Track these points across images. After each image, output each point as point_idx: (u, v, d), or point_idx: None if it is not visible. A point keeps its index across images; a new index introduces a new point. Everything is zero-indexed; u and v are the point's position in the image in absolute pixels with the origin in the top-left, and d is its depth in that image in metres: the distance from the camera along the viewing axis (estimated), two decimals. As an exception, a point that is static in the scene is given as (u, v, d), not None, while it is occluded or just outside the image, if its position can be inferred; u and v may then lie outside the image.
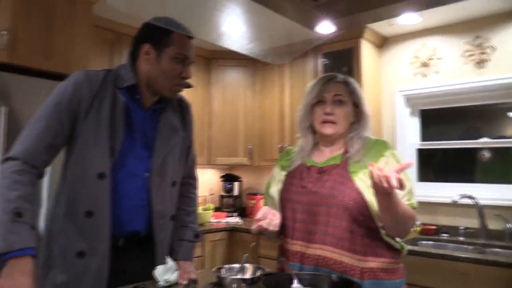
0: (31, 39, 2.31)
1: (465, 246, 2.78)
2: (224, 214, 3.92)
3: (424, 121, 3.36)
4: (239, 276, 1.42)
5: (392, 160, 1.44)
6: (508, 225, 2.74)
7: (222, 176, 4.24)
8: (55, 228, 1.43)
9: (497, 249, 2.66)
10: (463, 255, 2.31)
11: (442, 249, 2.65)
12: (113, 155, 1.42)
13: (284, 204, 1.51)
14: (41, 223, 1.86)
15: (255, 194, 4.08)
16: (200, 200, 3.35)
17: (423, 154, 3.33)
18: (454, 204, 2.82)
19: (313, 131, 1.57)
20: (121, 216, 1.46)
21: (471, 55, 2.99)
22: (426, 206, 3.06)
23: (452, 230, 2.97)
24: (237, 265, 1.47)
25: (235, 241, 3.55)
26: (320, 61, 3.44)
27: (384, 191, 1.20)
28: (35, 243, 1.25)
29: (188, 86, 1.56)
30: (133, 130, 1.48)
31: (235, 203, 4.11)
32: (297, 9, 1.19)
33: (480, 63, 2.94)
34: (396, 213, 1.29)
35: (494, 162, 2.96)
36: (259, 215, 1.40)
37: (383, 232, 1.38)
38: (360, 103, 1.51)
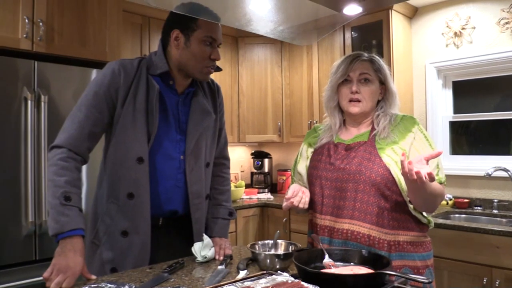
0: (66, 29, 2.40)
1: (499, 219, 2.75)
2: (255, 190, 4.00)
3: (457, 93, 3.28)
4: (272, 252, 1.48)
5: (420, 135, 1.45)
6: (545, 198, 2.69)
7: (252, 153, 4.30)
8: (100, 209, 1.53)
9: (533, 222, 2.62)
10: (496, 228, 2.30)
11: (475, 222, 2.63)
12: (150, 140, 1.49)
13: (312, 180, 1.55)
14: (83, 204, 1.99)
15: (285, 170, 4.14)
16: (231, 177, 3.44)
17: (455, 127, 3.27)
18: (488, 177, 2.77)
19: (340, 109, 1.59)
20: (160, 196, 1.54)
21: (506, 23, 2.87)
22: (459, 179, 3.03)
23: (486, 203, 2.94)
24: (270, 241, 1.54)
25: (267, 217, 3.64)
26: (349, 35, 3.39)
27: (414, 181, 1.22)
28: (84, 224, 1.35)
29: (218, 69, 1.61)
30: (168, 114, 1.55)
31: (266, 179, 4.19)
32: (324, -7, 1.20)
33: (517, 31, 2.83)
34: (424, 193, 1.31)
35: (531, 133, 2.88)
36: (289, 193, 1.45)
37: (411, 206, 1.41)
38: (386, 81, 1.52)
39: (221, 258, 1.55)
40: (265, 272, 1.19)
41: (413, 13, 3.34)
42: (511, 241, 2.23)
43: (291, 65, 3.91)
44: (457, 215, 2.92)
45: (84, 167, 1.46)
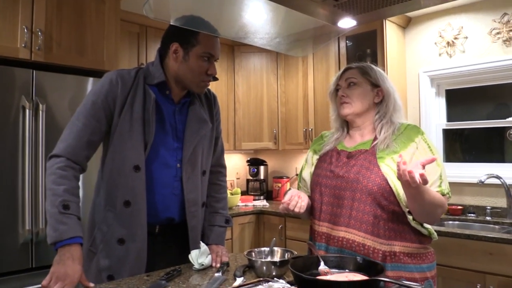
0: (64, 39, 2.43)
1: (492, 225, 2.78)
2: (251, 197, 4.02)
3: (450, 101, 3.32)
4: (268, 259, 1.50)
5: (423, 145, 1.45)
6: (537, 204, 2.72)
7: (248, 161, 4.33)
8: (97, 217, 1.54)
9: (525, 229, 2.66)
10: (489, 235, 2.33)
11: (468, 229, 2.66)
12: (147, 148, 1.51)
13: (313, 187, 1.58)
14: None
15: (280, 178, 4.16)
16: (227, 184, 3.47)
17: (449, 135, 3.31)
18: (481, 184, 2.81)
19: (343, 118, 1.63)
20: (156, 204, 1.56)
21: (498, 33, 2.93)
22: (453, 187, 3.01)
23: (479, 210, 2.98)
24: (266, 249, 1.55)
25: (263, 224, 3.66)
26: (343, 45, 3.44)
27: (408, 184, 1.23)
28: (82, 232, 1.36)
29: (215, 79, 1.63)
30: (165, 123, 1.57)
31: (261, 186, 4.21)
32: (319, 9, 1.23)
33: (508, 41, 2.88)
34: (423, 201, 1.31)
35: (523, 141, 2.92)
36: (286, 198, 1.47)
37: (410, 217, 1.41)
38: (379, 81, 1.55)
39: (218, 265, 1.56)
40: (261, 279, 1.21)
41: (407, 23, 3.40)
42: (504, 248, 2.26)
43: (287, 73, 3.95)
44: (450, 222, 2.95)
45: (81, 176, 1.47)
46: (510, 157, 3.01)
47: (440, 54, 3.23)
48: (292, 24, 1.37)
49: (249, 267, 1.49)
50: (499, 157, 3.06)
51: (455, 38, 3.14)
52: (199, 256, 1.54)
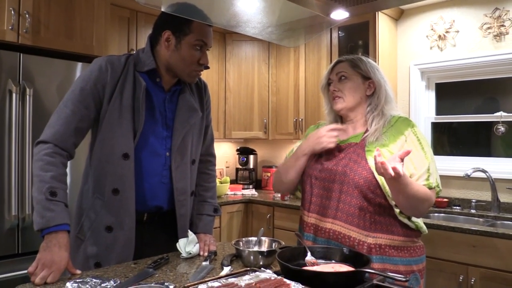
0: (52, 22, 2.38)
1: (476, 218, 2.83)
2: (240, 186, 4.03)
3: (439, 95, 3.35)
4: (256, 249, 1.51)
5: (412, 138, 1.45)
6: (520, 198, 2.78)
7: (238, 150, 4.33)
8: (85, 204, 1.53)
9: (508, 222, 2.71)
10: (473, 228, 2.37)
11: (453, 221, 2.71)
12: (136, 136, 1.50)
13: (304, 178, 1.59)
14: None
15: (270, 167, 4.18)
16: (216, 173, 3.46)
17: (437, 128, 3.34)
18: (467, 178, 2.85)
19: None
20: (145, 192, 1.56)
21: (489, 28, 2.95)
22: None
23: (464, 203, 3.03)
24: (254, 238, 1.56)
25: (251, 213, 3.68)
26: (336, 35, 3.43)
27: (388, 178, 1.25)
28: (69, 219, 1.35)
29: (206, 68, 1.62)
30: (154, 111, 1.55)
31: (251, 175, 4.22)
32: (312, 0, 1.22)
33: (498, 36, 2.90)
34: (406, 194, 1.32)
35: (509, 136, 2.96)
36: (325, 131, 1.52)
37: (397, 210, 1.43)
38: (370, 74, 1.55)
39: (206, 254, 1.57)
40: (248, 268, 1.21)
41: (399, 15, 3.40)
42: (487, 241, 2.31)
43: (278, 63, 3.93)
44: (436, 214, 3.00)
45: (68, 162, 1.46)
46: (497, 151, 3.06)
47: (431, 48, 3.25)
48: (285, 14, 1.36)
49: (237, 257, 1.50)
50: (485, 151, 3.10)
51: (447, 32, 3.15)
52: (187, 244, 1.55)
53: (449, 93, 3.31)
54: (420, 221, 1.49)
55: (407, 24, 3.38)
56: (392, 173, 1.21)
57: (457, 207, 3.03)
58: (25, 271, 1.27)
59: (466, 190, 3.06)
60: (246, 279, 1.11)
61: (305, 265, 1.27)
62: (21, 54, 2.21)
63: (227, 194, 3.83)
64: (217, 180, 3.68)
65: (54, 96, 2.31)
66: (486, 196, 2.94)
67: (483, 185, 2.95)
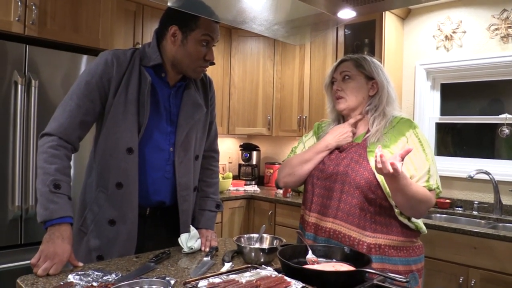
0: (59, 14, 2.38)
1: (478, 220, 2.83)
2: (243, 182, 4.04)
3: (444, 95, 3.34)
4: (257, 246, 1.52)
5: (414, 139, 1.45)
6: (523, 201, 2.77)
7: (241, 145, 4.33)
8: (88, 197, 1.54)
9: (510, 224, 2.70)
10: (475, 229, 2.37)
11: (455, 222, 2.70)
12: (141, 131, 1.50)
13: (307, 178, 1.59)
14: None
15: (272, 164, 4.18)
16: (219, 168, 3.47)
17: (441, 128, 3.33)
18: (470, 179, 2.84)
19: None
20: (148, 187, 1.56)
21: (496, 29, 2.93)
22: (442, 180, 3.04)
23: (466, 204, 3.02)
24: (256, 235, 1.57)
25: (253, 209, 3.68)
26: (342, 33, 3.42)
27: (387, 174, 1.25)
28: (72, 212, 1.36)
29: (211, 63, 1.62)
30: (159, 106, 1.56)
31: (253, 171, 4.22)
32: (320, -2, 1.22)
33: (506, 38, 2.88)
34: (406, 194, 1.33)
35: (513, 138, 2.95)
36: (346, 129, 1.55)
37: (397, 211, 1.43)
38: (373, 74, 1.54)
39: (207, 249, 1.58)
40: (249, 265, 1.22)
41: (406, 14, 3.38)
42: (488, 242, 2.31)
43: (284, 59, 3.92)
44: (438, 215, 3.00)
45: (72, 155, 1.46)
46: (500, 153, 3.05)
47: (437, 48, 3.23)
48: (292, 12, 1.36)
49: (238, 253, 1.51)
50: (489, 153, 3.09)
51: (454, 32, 3.13)
52: (189, 239, 1.55)
53: (454, 94, 3.30)
54: (419, 222, 1.50)
55: (414, 24, 3.36)
56: (391, 169, 1.21)
57: (459, 209, 3.02)
58: (28, 262, 1.29)
59: (468, 191, 3.05)
60: (247, 276, 1.12)
61: (306, 263, 1.27)
62: (27, 46, 2.22)
63: (229, 190, 3.84)
64: (220, 176, 3.69)
65: (59, 88, 2.32)
66: (489, 198, 2.94)
67: (486, 187, 2.94)
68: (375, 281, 1.14)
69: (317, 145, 1.58)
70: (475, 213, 2.91)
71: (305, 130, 3.69)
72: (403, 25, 3.40)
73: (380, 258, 1.42)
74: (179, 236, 1.57)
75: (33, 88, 2.21)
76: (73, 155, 1.48)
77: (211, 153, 1.84)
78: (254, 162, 4.24)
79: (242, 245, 1.47)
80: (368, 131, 1.53)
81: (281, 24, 1.39)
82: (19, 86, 2.17)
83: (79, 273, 1.23)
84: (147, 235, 1.58)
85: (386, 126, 1.50)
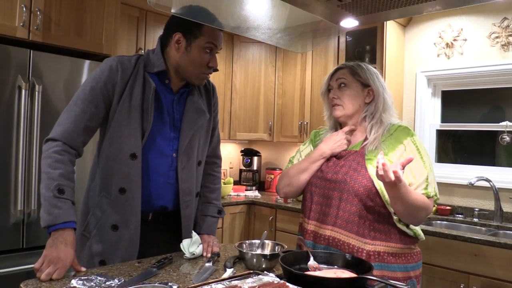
0: (63, 19, 2.40)
1: (478, 227, 2.83)
2: (243, 187, 4.04)
3: (445, 102, 3.35)
4: (259, 252, 1.52)
5: (412, 147, 1.46)
6: (524, 209, 2.77)
7: (242, 151, 4.34)
8: (91, 202, 1.55)
9: (511, 232, 2.70)
10: (475, 236, 2.37)
11: (456, 229, 2.71)
12: (144, 137, 1.51)
13: (305, 186, 1.60)
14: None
15: (273, 169, 4.18)
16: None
17: (442, 135, 3.34)
18: (471, 186, 2.85)
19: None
20: (151, 192, 1.57)
21: (497, 37, 2.95)
22: (443, 187, 3.10)
23: (467, 212, 3.03)
24: (257, 241, 1.57)
25: (253, 214, 3.69)
26: (343, 40, 3.44)
27: (388, 182, 1.26)
28: (76, 217, 1.37)
29: (214, 70, 1.63)
30: (163, 112, 1.57)
31: (254, 177, 4.23)
32: (323, 7, 1.23)
33: (506, 46, 2.90)
34: (405, 202, 1.33)
35: (514, 146, 2.96)
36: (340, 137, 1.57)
37: (395, 218, 1.44)
38: (369, 81, 1.55)
39: (209, 255, 1.58)
40: (251, 271, 1.23)
41: (407, 22, 3.40)
42: (488, 250, 2.31)
43: (285, 65, 3.95)
44: (438, 222, 3.00)
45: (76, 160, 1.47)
46: (501, 160, 3.05)
47: (438, 55, 3.25)
48: (294, 21, 1.37)
49: (240, 259, 1.51)
50: (490, 160, 3.10)
51: (454, 40, 3.15)
52: (191, 245, 1.56)
53: (455, 101, 3.31)
54: (418, 229, 1.51)
55: (415, 31, 3.38)
56: (393, 177, 1.22)
57: (460, 215, 3.02)
58: (29, 266, 1.30)
59: (469, 198, 3.06)
60: (249, 282, 1.12)
61: (308, 270, 1.28)
62: (31, 51, 2.24)
63: (230, 195, 3.84)
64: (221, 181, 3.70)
65: (62, 93, 2.34)
66: (489, 205, 2.94)
67: (486, 194, 2.95)
68: (376, 288, 1.15)
69: (312, 154, 1.60)
70: (475, 220, 2.92)
71: (306, 136, 3.70)
72: (404, 32, 3.43)
73: (379, 266, 1.42)
74: (181, 242, 1.58)
75: (36, 93, 2.22)
76: (76, 160, 1.49)
77: (214, 159, 1.85)
78: (255, 168, 4.25)
79: (244, 251, 1.47)
80: (366, 138, 1.54)
81: (284, 33, 1.41)
82: (23, 91, 2.18)
83: (82, 278, 1.24)
84: (149, 240, 1.59)
85: (384, 134, 1.51)
